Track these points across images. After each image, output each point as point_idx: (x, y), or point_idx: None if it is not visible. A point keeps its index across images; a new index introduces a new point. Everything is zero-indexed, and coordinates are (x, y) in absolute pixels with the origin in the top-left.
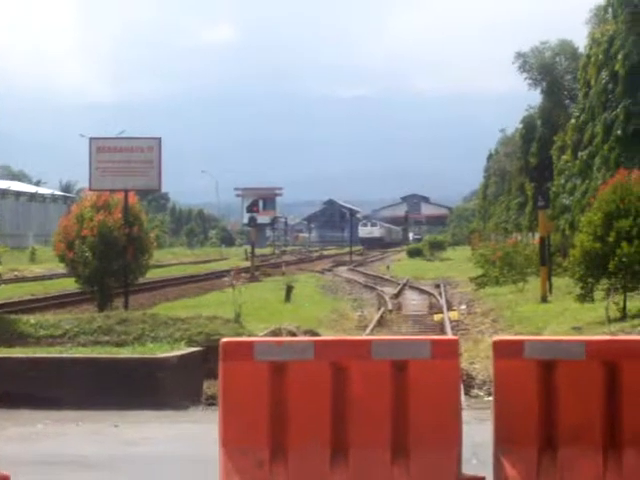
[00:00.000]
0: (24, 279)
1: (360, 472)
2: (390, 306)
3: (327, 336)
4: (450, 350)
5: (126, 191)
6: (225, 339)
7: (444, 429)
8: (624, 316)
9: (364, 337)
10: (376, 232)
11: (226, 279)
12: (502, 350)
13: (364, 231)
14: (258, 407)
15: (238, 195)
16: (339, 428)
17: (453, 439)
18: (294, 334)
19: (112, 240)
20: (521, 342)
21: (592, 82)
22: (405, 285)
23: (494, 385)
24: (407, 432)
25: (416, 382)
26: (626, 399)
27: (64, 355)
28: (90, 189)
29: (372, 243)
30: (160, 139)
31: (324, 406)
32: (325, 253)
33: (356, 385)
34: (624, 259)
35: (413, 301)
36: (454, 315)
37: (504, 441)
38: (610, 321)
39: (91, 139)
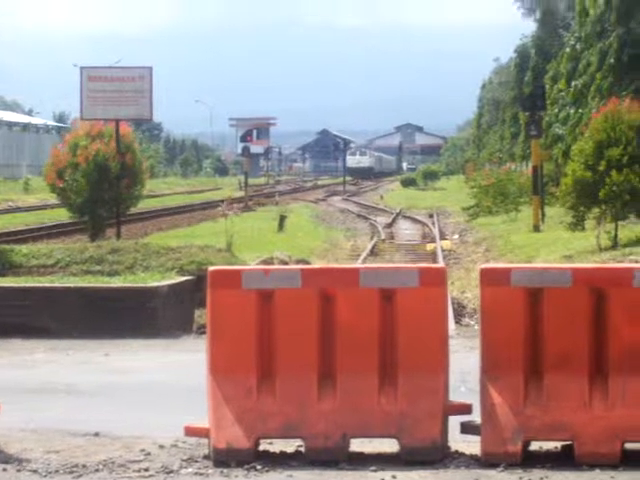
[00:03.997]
0: (18, 209)
1: (348, 399)
2: (383, 235)
3: (316, 264)
4: (438, 278)
5: (117, 120)
6: (213, 267)
7: (431, 357)
8: (615, 245)
9: (352, 265)
10: (365, 161)
11: (219, 209)
12: (489, 278)
13: (352, 160)
14: (246, 335)
15: (232, 125)
16: (327, 355)
17: (440, 366)
18: (286, 263)
19: (106, 169)
20: (508, 270)
21: (591, 11)
22: (398, 215)
23: (481, 313)
24: (395, 359)
25: (404, 310)
26: (612, 326)
27: (56, 284)
28: (82, 118)
29: (361, 173)
30: (151, 68)
31: (312, 334)
32: (319, 183)
33: (344, 313)
34: (614, 188)
35: (406, 230)
36: (446, 244)
37: (490, 368)
38: (601, 250)
39: (82, 68)
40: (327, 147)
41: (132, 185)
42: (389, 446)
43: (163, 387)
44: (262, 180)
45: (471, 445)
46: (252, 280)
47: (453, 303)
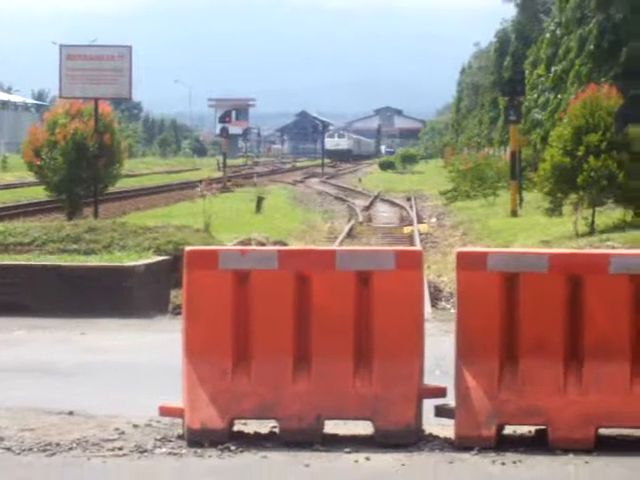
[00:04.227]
0: None
1: (322, 381)
2: (361, 218)
3: (293, 246)
4: (414, 261)
5: (96, 99)
6: (189, 248)
7: (407, 340)
8: (592, 231)
9: (328, 247)
10: (344, 144)
11: (197, 189)
12: (465, 262)
13: (331, 143)
14: (222, 316)
15: (211, 105)
16: (302, 338)
17: (416, 350)
18: (263, 244)
19: (84, 148)
20: (484, 254)
21: None
22: (376, 198)
23: (457, 297)
24: (370, 342)
25: (380, 293)
26: (587, 312)
27: (32, 262)
28: (60, 96)
29: (340, 156)
30: (131, 47)
31: (287, 316)
32: (297, 165)
33: (320, 295)
34: (592, 173)
35: (384, 213)
36: (424, 228)
37: (466, 353)
38: (578, 235)
39: (61, 46)
40: (306, 129)
41: (110, 164)
42: (363, 428)
43: (138, 367)
44: (240, 161)
45: (445, 428)
46: (229, 261)
47: (429, 286)
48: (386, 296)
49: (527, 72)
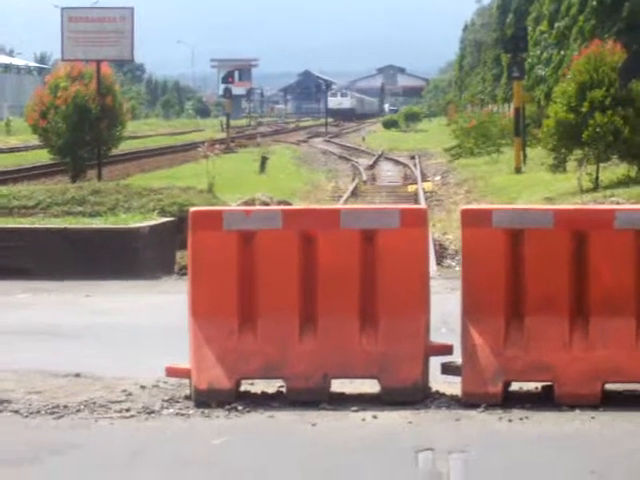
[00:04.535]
0: None
1: (329, 340)
2: (365, 177)
3: (298, 206)
4: (419, 219)
5: (98, 61)
6: (194, 208)
7: (413, 297)
8: (596, 187)
9: (332, 206)
10: (346, 103)
11: (200, 150)
12: (470, 219)
13: (333, 102)
14: (227, 277)
15: (214, 66)
16: (308, 297)
17: (422, 307)
18: (268, 204)
19: (86, 111)
20: (489, 211)
21: None
22: (380, 156)
23: (462, 254)
24: (376, 301)
25: (385, 251)
26: (593, 268)
27: (37, 226)
28: (62, 59)
29: (343, 114)
30: (133, 9)
31: (293, 275)
32: (301, 124)
33: (325, 254)
34: (597, 129)
35: (388, 172)
36: (428, 186)
37: (471, 310)
38: (582, 191)
39: (63, 9)
40: (309, 88)
41: (112, 126)
42: (370, 387)
43: (145, 328)
44: (244, 122)
45: (452, 386)
46: (233, 221)
47: (435, 244)
48: (391, 254)
49: (530, 28)
